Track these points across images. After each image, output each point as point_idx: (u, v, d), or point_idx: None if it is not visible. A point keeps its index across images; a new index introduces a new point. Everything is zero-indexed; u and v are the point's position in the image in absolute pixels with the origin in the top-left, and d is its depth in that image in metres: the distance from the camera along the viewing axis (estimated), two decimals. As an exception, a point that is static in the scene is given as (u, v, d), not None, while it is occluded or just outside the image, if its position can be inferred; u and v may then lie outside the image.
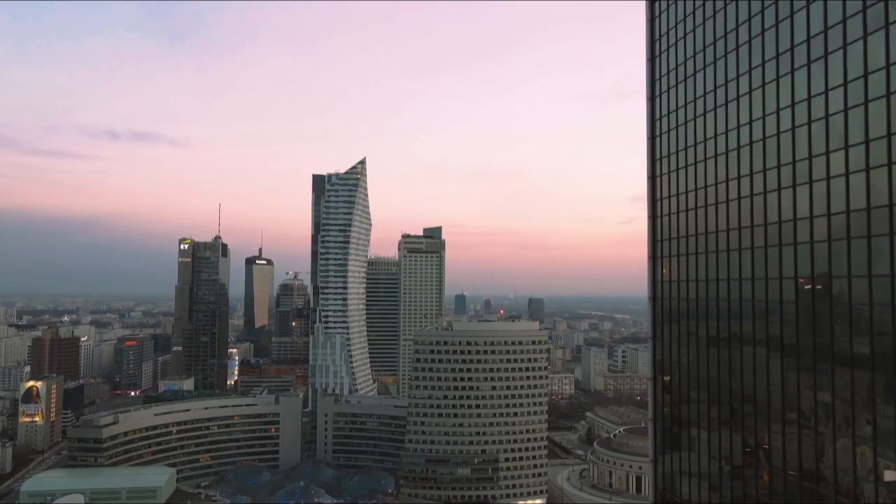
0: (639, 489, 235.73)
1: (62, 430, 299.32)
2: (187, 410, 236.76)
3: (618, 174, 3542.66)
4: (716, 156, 43.99)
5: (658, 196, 51.75)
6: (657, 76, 52.23)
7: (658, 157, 51.73)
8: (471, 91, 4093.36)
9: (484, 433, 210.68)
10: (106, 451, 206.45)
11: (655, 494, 50.10)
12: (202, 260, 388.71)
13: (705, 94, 45.10)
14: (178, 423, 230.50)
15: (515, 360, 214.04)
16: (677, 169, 48.83)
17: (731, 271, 42.07)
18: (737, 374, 42.56)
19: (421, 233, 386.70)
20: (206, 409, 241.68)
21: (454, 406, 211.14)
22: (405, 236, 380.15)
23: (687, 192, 47.51)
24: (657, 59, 52.02)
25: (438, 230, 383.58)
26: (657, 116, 52.04)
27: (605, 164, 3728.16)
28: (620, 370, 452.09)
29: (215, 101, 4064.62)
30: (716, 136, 43.89)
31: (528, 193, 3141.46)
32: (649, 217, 52.87)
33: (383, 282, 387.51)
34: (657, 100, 52.13)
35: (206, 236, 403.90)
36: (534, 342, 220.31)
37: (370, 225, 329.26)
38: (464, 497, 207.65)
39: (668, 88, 50.38)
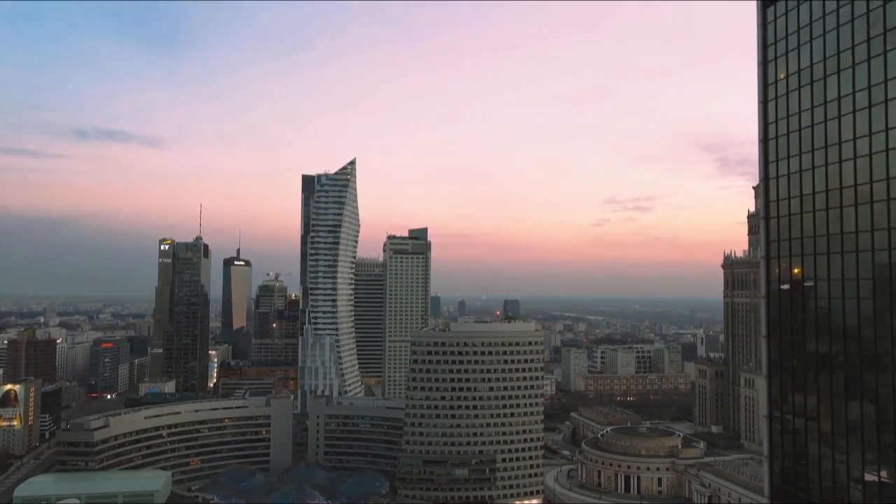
0: (627, 488, 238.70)
1: (40, 433, 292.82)
2: (178, 413, 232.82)
3: (590, 177, 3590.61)
4: (855, 158, 44.60)
5: (773, 197, 52.64)
6: (770, 80, 53.15)
7: (773, 159, 52.59)
8: (449, 94, 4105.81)
9: (481, 434, 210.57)
10: (97, 454, 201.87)
11: (771, 491, 50.94)
12: (183, 261, 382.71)
13: (840, 97, 45.75)
14: (169, 427, 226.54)
15: (512, 361, 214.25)
16: (799, 171, 49.54)
17: (878, 271, 42.60)
18: (876, 373, 43.18)
19: (405, 234, 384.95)
20: (197, 411, 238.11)
21: (451, 407, 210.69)
22: (391, 237, 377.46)
23: (814, 194, 48.15)
24: (770, 64, 52.95)
25: (424, 231, 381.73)
26: (770, 120, 52.92)
27: (577, 167, 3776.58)
28: (600, 371, 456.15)
29: (189, 101, 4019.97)
30: (855, 139, 44.57)
31: (499, 196, 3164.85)
32: (763, 218, 53.63)
33: (367, 283, 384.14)
34: (770, 104, 53.01)
35: (182, 237, 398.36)
36: (530, 343, 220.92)
37: (359, 226, 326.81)
38: (461, 498, 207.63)
39: (787, 92, 51.10)
